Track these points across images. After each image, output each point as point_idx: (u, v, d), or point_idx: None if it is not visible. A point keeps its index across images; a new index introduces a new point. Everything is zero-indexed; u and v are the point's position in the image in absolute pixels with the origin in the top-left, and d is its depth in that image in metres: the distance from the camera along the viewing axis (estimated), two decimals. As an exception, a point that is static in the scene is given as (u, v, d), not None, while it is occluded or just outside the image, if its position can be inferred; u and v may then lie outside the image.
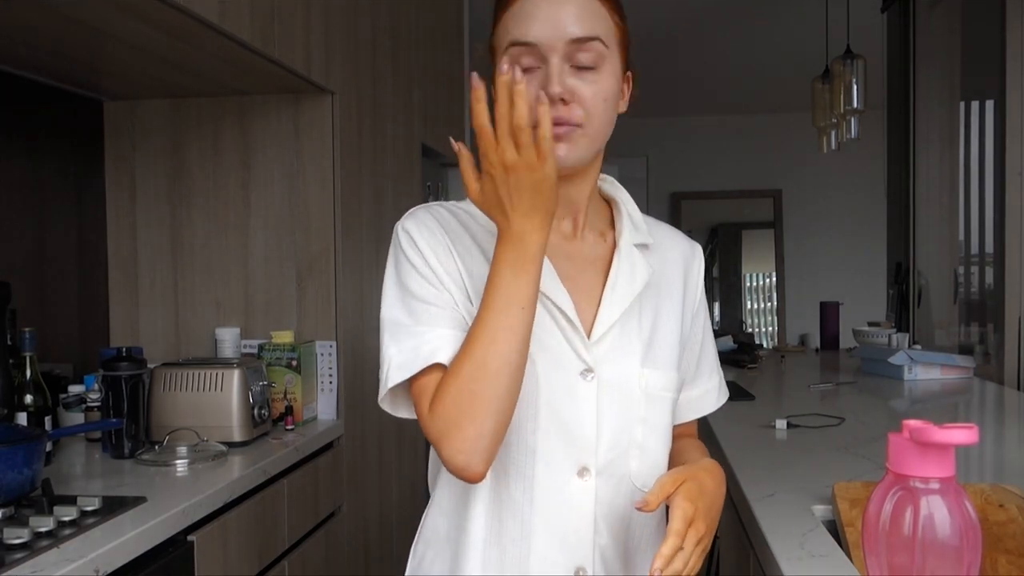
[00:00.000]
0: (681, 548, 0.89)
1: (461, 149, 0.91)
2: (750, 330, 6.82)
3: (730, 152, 6.89)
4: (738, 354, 3.23)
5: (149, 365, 1.90)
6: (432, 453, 1.09)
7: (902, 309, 3.72)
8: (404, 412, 1.00)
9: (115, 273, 2.36)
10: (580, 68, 0.95)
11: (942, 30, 3.56)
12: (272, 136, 2.29)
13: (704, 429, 2.09)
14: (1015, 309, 2.74)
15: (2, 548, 1.19)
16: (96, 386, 1.90)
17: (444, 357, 0.92)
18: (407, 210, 1.04)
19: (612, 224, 1.09)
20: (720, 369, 1.19)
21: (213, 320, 2.31)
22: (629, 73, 1.02)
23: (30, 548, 1.19)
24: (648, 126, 6.98)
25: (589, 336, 1.00)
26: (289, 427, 2.09)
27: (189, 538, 1.48)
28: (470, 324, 0.95)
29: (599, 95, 0.95)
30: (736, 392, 2.39)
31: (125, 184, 2.35)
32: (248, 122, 2.31)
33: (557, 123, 0.94)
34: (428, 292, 0.96)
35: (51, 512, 1.31)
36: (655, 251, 1.09)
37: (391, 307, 0.98)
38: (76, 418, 1.94)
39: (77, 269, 2.32)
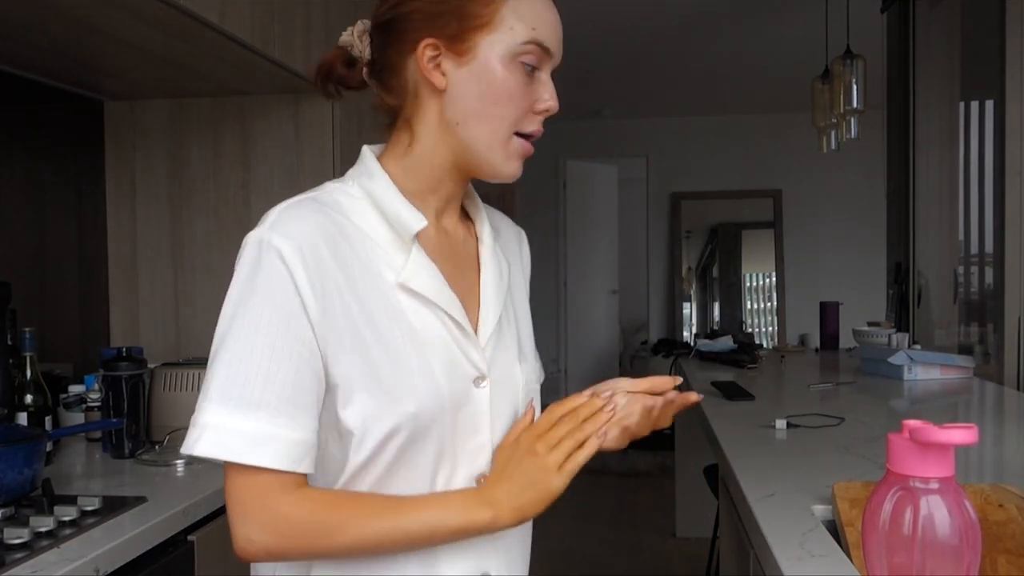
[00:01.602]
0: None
1: None
2: (750, 330, 6.83)
3: (730, 152, 6.89)
4: (738, 354, 3.23)
5: (149, 365, 1.89)
6: None
7: (902, 309, 3.72)
8: (201, 452, 0.88)
9: (115, 273, 2.36)
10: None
11: (942, 30, 3.56)
12: (272, 136, 2.29)
13: (704, 429, 2.09)
14: (1015, 309, 2.74)
15: (2, 548, 1.19)
16: (96, 386, 1.90)
17: (307, 466, 0.86)
18: None
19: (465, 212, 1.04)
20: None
21: (213, 320, 2.30)
22: None
23: (30, 548, 1.19)
24: (648, 126, 6.98)
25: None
26: (289, 427, 2.08)
27: (189, 538, 1.48)
28: (326, 372, 0.86)
29: None
30: (736, 392, 2.39)
31: (125, 184, 2.35)
32: (248, 122, 2.31)
33: (531, 137, 0.94)
34: (292, 351, 0.84)
35: (51, 512, 1.31)
36: (499, 240, 1.05)
37: (238, 343, 0.86)
38: (76, 418, 1.94)
39: (77, 269, 2.31)
